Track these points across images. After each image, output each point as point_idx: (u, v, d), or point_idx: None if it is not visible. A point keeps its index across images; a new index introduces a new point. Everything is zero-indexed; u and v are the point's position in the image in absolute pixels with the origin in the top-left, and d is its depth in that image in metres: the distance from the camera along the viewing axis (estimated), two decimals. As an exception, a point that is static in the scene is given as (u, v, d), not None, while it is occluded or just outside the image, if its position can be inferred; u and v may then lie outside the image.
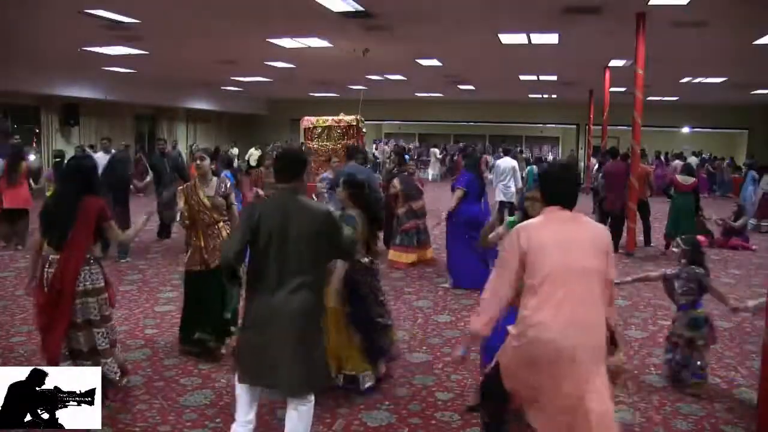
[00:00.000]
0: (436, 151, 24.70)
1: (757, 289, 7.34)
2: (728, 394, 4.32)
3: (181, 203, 4.75)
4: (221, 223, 4.75)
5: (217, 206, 4.71)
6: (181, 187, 4.92)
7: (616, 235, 9.58)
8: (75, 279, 3.63)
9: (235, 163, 21.25)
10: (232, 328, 4.72)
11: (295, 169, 3.16)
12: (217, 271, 4.59)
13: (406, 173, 8.54)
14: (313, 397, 3.12)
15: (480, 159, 8.23)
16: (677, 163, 18.67)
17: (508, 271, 2.66)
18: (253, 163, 22.38)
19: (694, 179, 9.75)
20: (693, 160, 19.54)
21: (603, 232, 2.80)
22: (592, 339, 2.56)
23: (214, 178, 4.85)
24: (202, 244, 4.68)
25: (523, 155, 22.76)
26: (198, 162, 4.80)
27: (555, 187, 2.76)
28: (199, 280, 4.70)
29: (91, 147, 11.66)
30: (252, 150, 22.68)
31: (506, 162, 10.83)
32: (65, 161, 10.09)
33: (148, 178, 9.66)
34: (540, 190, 2.86)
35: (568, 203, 2.73)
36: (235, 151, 23.25)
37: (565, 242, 2.62)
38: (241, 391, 3.11)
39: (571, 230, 2.68)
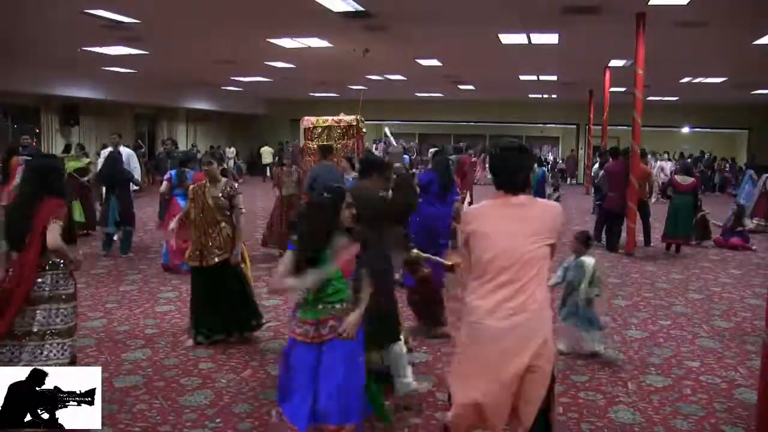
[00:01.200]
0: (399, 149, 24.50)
1: (757, 289, 7.35)
2: (728, 394, 4.32)
3: (187, 201, 5.06)
4: (223, 223, 4.93)
5: (220, 207, 4.92)
6: (192, 186, 5.14)
7: (615, 234, 9.59)
8: (29, 283, 3.44)
9: (230, 164, 21.39)
10: (253, 323, 5.15)
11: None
12: (215, 269, 4.91)
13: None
14: None
15: (448, 160, 7.99)
16: (664, 164, 18.72)
17: (463, 252, 2.81)
18: (267, 160, 22.45)
19: (693, 179, 9.75)
20: (669, 163, 19.51)
21: (549, 212, 2.73)
22: (528, 322, 2.59)
23: (222, 180, 5.05)
24: (202, 241, 4.89)
25: None
26: (206, 168, 5.03)
27: (498, 172, 2.76)
28: (199, 274, 5.00)
29: (81, 147, 11.59)
30: (265, 147, 22.73)
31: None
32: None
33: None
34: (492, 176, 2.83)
35: (512, 188, 2.70)
36: (232, 150, 23.29)
37: (507, 228, 2.63)
38: None
39: (513, 216, 2.67)
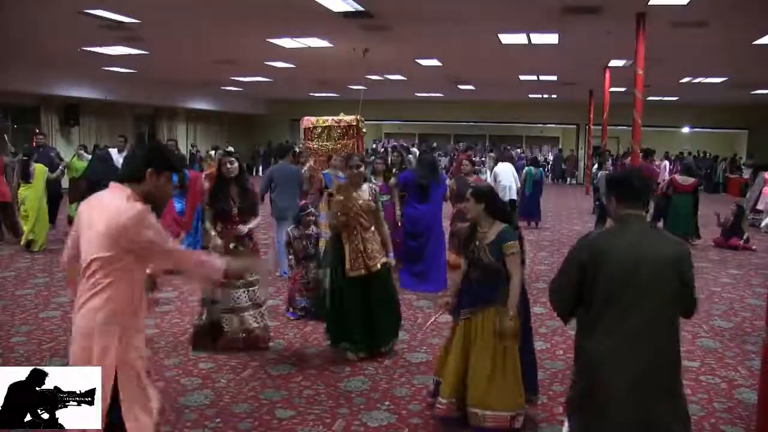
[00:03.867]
0: (416, 151, 24.44)
1: (757, 289, 7.35)
2: (728, 394, 4.32)
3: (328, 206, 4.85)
4: (374, 227, 4.81)
5: (371, 210, 4.79)
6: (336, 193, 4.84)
7: None
8: None
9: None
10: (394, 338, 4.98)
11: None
12: (370, 277, 4.72)
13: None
14: None
15: (432, 159, 7.92)
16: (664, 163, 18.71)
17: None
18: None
19: (694, 179, 9.74)
20: (665, 162, 19.47)
21: (112, 216, 2.35)
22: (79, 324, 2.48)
23: (366, 185, 4.88)
24: (360, 248, 4.71)
25: (521, 153, 22.62)
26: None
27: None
28: (357, 283, 4.73)
29: (84, 147, 11.59)
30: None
31: (504, 168, 10.69)
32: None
33: None
34: None
35: (122, 178, 2.53)
36: (231, 150, 23.23)
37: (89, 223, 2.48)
38: None
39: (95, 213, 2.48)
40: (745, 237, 10.17)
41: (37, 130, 11.19)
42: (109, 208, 2.38)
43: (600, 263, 2.52)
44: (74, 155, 10.93)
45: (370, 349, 4.80)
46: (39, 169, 8.96)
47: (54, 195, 9.95)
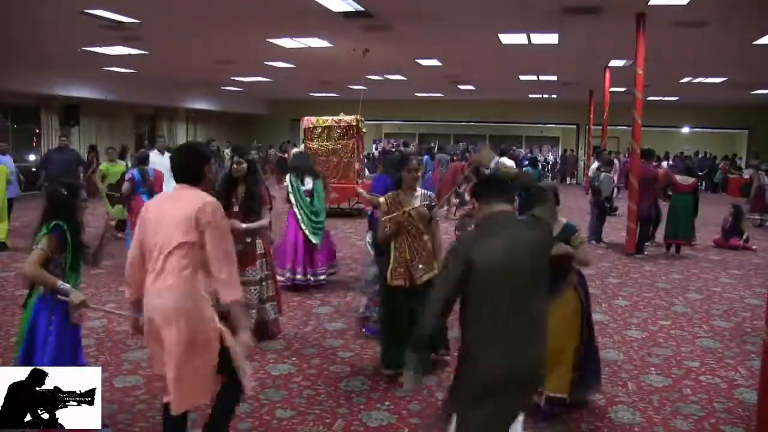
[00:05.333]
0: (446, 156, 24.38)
1: (757, 289, 7.35)
2: (728, 394, 4.32)
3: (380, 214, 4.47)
4: (426, 236, 4.40)
5: (423, 218, 4.40)
6: (383, 198, 4.53)
7: (643, 236, 9.44)
8: None
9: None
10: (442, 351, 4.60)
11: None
12: (417, 289, 4.24)
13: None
14: None
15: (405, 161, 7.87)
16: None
17: None
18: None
19: (694, 179, 9.73)
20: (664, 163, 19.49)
21: (193, 205, 2.86)
22: (166, 303, 2.80)
23: (419, 190, 4.51)
24: (406, 257, 4.35)
25: (519, 152, 22.50)
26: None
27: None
28: (401, 295, 4.37)
29: (113, 150, 11.35)
30: (295, 149, 22.70)
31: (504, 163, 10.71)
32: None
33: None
34: None
35: (186, 179, 2.98)
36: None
37: (160, 218, 2.89)
38: None
39: (167, 207, 2.94)
40: (744, 236, 10.17)
41: (63, 137, 11.18)
42: (189, 199, 2.88)
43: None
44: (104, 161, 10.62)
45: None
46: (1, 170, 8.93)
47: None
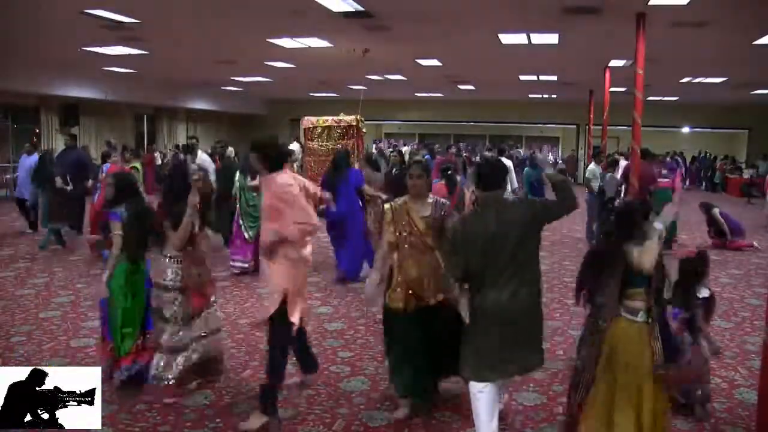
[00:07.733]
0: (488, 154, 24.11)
1: (757, 289, 7.35)
2: (728, 394, 4.32)
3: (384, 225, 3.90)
4: (436, 251, 3.74)
5: (430, 230, 3.77)
6: (388, 206, 3.94)
7: None
8: None
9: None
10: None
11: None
12: (430, 309, 3.77)
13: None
14: None
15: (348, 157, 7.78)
16: None
17: None
18: (299, 156, 22.39)
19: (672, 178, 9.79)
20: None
21: None
22: None
23: (431, 198, 3.86)
24: (413, 275, 3.74)
25: (518, 151, 22.43)
26: (416, 180, 3.89)
27: None
28: (409, 319, 3.82)
29: (109, 145, 11.12)
30: (293, 145, 22.61)
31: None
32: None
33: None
34: None
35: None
36: (230, 150, 23.18)
37: None
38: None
39: None
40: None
41: (67, 135, 11.21)
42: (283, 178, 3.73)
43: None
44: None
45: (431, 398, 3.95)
46: None
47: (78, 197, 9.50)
